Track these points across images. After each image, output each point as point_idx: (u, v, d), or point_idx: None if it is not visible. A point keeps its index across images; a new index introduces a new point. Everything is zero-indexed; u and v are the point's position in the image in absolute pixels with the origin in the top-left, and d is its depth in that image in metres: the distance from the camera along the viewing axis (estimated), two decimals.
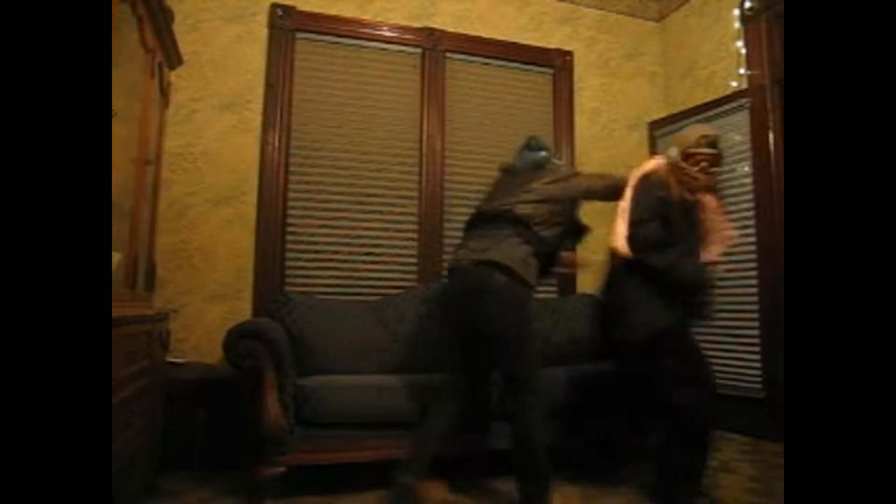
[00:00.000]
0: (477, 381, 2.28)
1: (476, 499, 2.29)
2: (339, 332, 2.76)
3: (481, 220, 2.28)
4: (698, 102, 3.65)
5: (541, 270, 2.21)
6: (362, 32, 3.42)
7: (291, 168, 3.22)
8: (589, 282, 3.72)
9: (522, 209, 2.17)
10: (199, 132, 3.11)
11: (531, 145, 2.50)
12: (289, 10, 3.29)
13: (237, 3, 3.25)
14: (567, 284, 3.65)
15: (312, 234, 3.22)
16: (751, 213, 3.22)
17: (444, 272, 3.39)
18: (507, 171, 2.47)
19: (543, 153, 2.45)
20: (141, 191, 2.16)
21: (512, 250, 2.10)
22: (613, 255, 2.24)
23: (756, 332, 3.14)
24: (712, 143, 2.20)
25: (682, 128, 3.71)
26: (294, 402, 2.27)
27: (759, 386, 3.09)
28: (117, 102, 1.51)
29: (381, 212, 3.35)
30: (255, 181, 3.16)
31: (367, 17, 3.46)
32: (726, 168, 3.37)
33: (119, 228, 1.86)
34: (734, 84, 3.39)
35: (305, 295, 2.93)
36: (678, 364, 2.10)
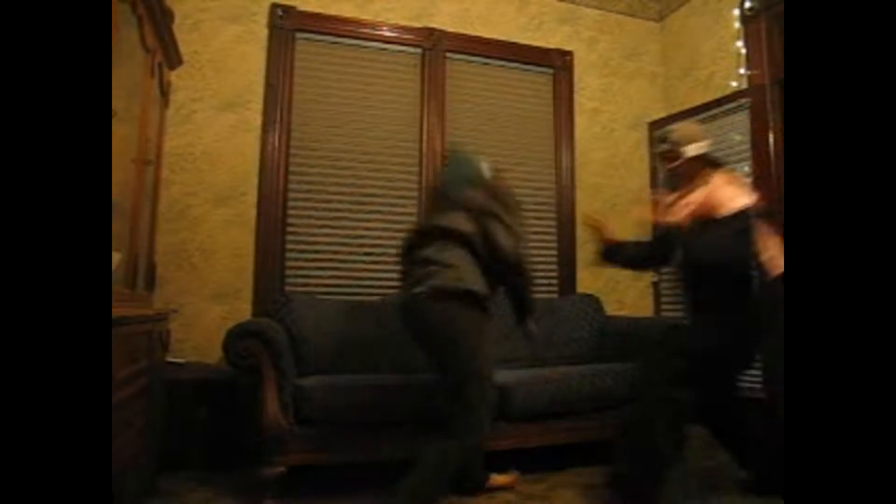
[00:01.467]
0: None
1: (474, 499, 2.29)
2: (339, 332, 2.76)
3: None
4: (698, 102, 3.65)
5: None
6: (362, 32, 3.42)
7: (291, 168, 3.22)
8: (589, 281, 3.74)
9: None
10: (199, 132, 3.11)
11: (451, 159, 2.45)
12: (289, 10, 3.28)
13: (237, 3, 3.24)
14: (567, 284, 3.65)
15: (312, 234, 3.22)
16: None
17: None
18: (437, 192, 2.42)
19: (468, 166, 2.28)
20: (141, 191, 2.16)
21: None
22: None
23: None
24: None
25: None
26: (294, 401, 2.27)
27: (758, 386, 3.09)
28: (117, 102, 1.51)
29: (380, 212, 3.35)
30: (255, 181, 3.16)
31: (367, 17, 3.46)
32: (726, 168, 3.38)
33: (119, 228, 1.86)
34: (734, 84, 3.38)
35: (305, 295, 2.93)
36: None
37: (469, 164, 2.29)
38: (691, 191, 2.25)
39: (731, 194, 2.13)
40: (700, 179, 2.24)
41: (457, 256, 2.00)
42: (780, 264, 2.10)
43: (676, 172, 2.31)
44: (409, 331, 2.09)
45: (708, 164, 2.27)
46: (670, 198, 2.35)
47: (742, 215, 2.07)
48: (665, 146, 2.31)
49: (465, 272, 1.98)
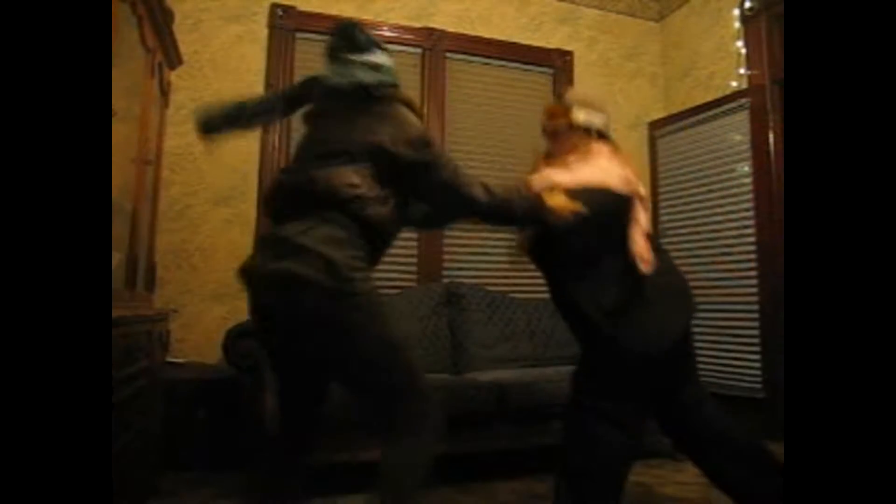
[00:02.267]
0: None
1: (474, 499, 2.29)
2: None
3: None
4: (698, 102, 3.65)
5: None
6: None
7: None
8: None
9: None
10: None
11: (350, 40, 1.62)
12: (289, 10, 3.29)
13: (237, 3, 3.25)
14: None
15: None
16: (751, 213, 3.22)
17: (444, 272, 3.39)
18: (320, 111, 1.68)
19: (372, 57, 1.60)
20: (141, 191, 2.16)
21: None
22: None
23: (756, 332, 3.14)
24: None
25: (681, 128, 3.74)
26: None
27: (759, 386, 3.09)
28: (117, 102, 1.51)
29: None
30: (255, 181, 3.16)
31: (367, 17, 3.46)
32: (726, 168, 3.39)
33: (119, 228, 1.86)
34: (734, 84, 3.39)
35: None
36: None
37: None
38: (566, 164, 1.82)
39: (604, 177, 1.75)
40: (581, 153, 1.81)
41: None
42: (647, 259, 1.71)
43: (555, 134, 1.88)
44: None
45: (596, 136, 1.85)
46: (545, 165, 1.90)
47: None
48: (555, 102, 1.97)
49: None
